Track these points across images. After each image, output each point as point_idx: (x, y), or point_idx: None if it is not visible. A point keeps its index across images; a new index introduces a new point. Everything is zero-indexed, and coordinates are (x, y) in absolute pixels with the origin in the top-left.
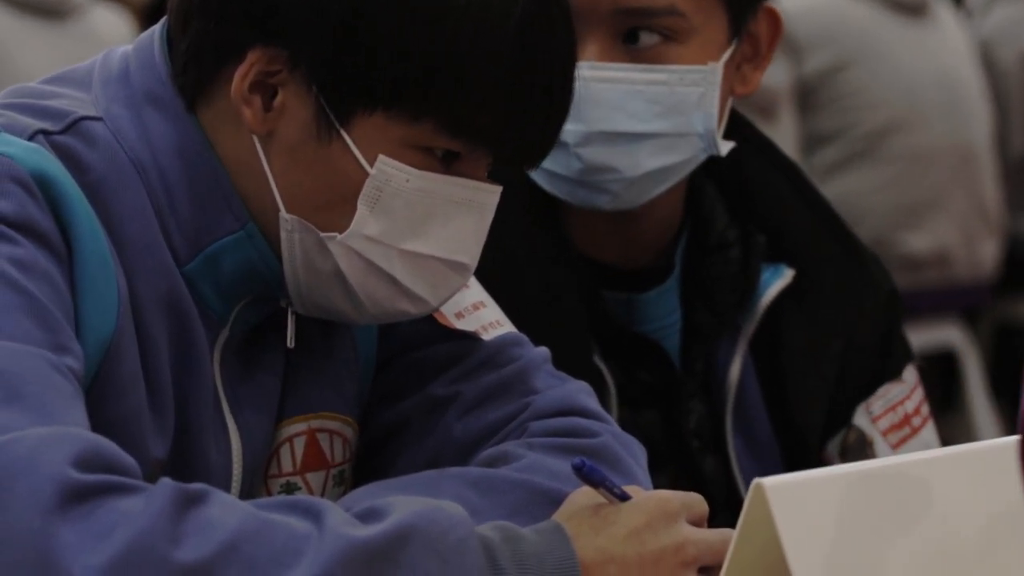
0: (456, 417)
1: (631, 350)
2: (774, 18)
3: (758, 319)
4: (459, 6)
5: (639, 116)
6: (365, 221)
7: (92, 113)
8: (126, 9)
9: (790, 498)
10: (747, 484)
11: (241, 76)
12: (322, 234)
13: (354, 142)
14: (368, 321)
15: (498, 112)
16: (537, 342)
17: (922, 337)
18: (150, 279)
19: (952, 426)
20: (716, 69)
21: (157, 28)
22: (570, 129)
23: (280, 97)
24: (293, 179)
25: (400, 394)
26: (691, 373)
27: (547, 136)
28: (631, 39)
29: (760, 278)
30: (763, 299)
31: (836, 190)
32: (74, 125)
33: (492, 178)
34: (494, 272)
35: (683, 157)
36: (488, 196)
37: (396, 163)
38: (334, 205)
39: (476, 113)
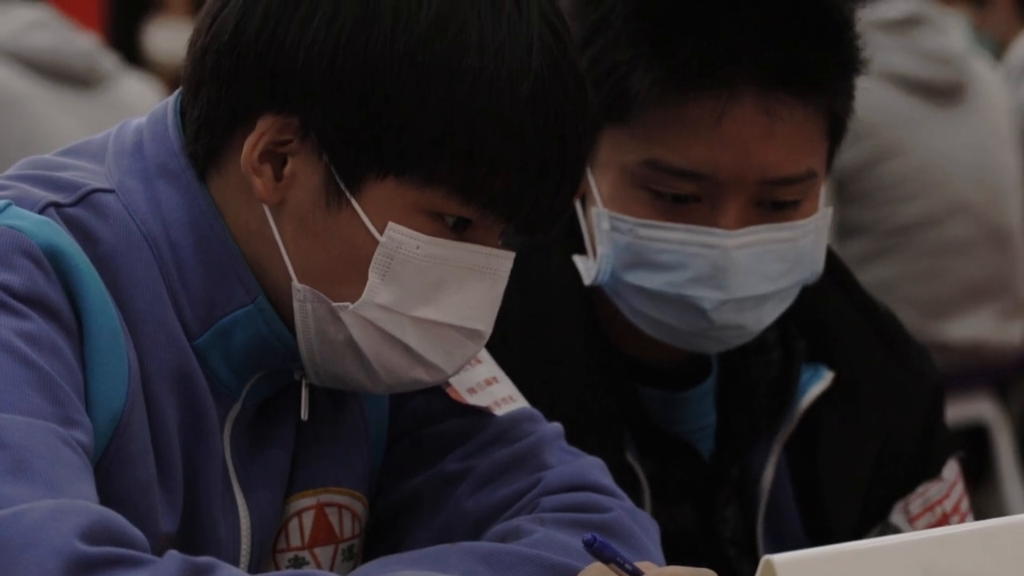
0: (468, 493)
1: (665, 448)
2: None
3: (795, 423)
4: (471, 71)
5: (770, 276)
6: (377, 290)
7: (104, 185)
8: (156, 78)
9: (800, 574)
10: None
11: (251, 145)
12: (334, 304)
13: (364, 209)
14: (383, 391)
15: (511, 177)
16: (570, 436)
17: (953, 411)
18: (160, 353)
19: (983, 500)
20: (827, 213)
21: (171, 99)
22: (708, 296)
23: (290, 166)
24: (304, 248)
25: (412, 469)
26: (726, 478)
27: (560, 200)
28: (766, 203)
29: (799, 382)
30: (801, 403)
31: (867, 279)
32: (86, 198)
33: (508, 246)
34: (531, 365)
35: (792, 300)
36: (501, 262)
37: (406, 230)
38: (345, 274)
39: (489, 178)
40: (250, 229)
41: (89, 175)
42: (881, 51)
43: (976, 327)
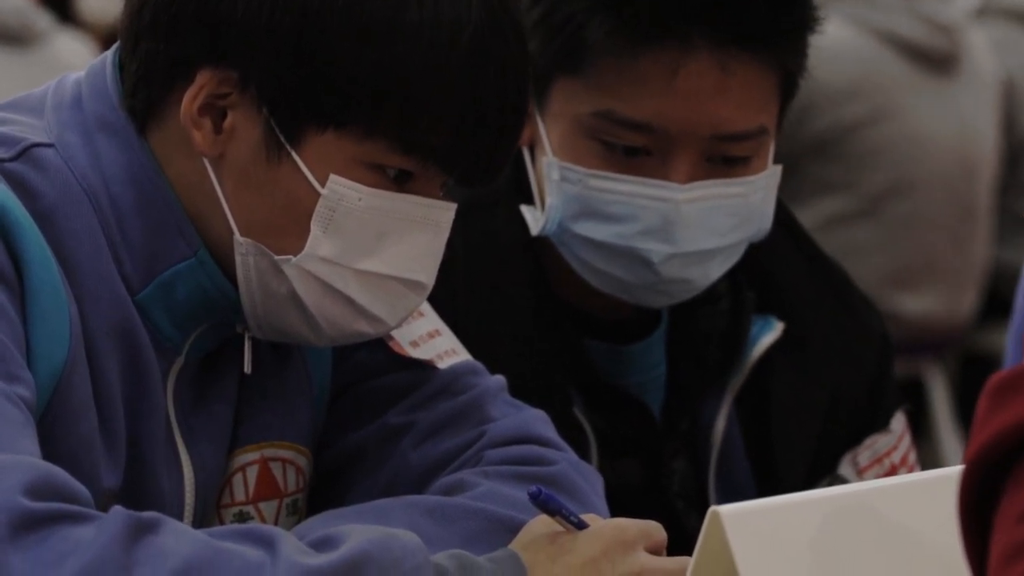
0: (411, 446)
1: (612, 402)
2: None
3: (745, 374)
4: (410, 24)
5: (719, 231)
6: (319, 242)
7: (44, 140)
8: (89, 36)
9: (747, 525)
10: None
11: (191, 98)
12: (276, 257)
13: (304, 162)
14: (326, 343)
15: (450, 130)
16: (516, 391)
17: None
18: (101, 308)
19: (920, 454)
20: (776, 170)
21: (109, 54)
22: (656, 249)
23: (230, 119)
24: (245, 201)
25: (355, 423)
26: (674, 431)
27: (499, 153)
28: (718, 159)
29: (749, 333)
30: (752, 354)
31: (839, 241)
32: (25, 152)
33: (448, 197)
34: (475, 319)
35: (739, 256)
36: (442, 213)
37: (348, 182)
38: (287, 227)
39: (428, 131)
40: (191, 183)
41: (28, 129)
42: (885, 11)
43: (931, 303)
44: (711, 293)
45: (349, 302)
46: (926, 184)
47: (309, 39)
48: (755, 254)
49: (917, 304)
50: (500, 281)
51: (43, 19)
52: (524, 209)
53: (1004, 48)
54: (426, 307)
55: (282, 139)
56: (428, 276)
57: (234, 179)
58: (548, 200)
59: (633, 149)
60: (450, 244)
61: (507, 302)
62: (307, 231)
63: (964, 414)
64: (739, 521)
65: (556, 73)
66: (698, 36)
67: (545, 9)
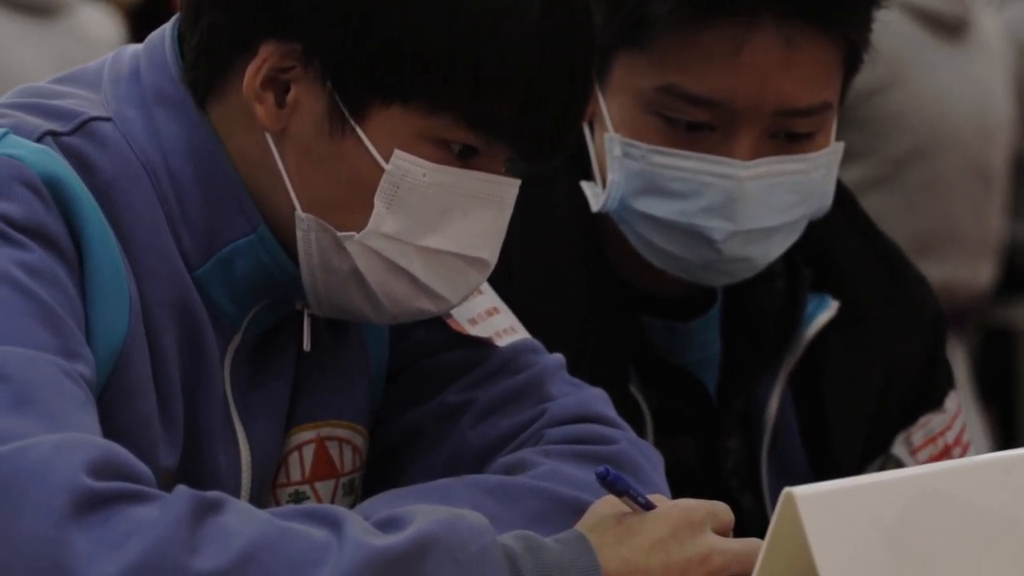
0: (470, 424)
1: (668, 380)
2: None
3: (800, 353)
4: None
5: (780, 208)
6: (382, 219)
7: (102, 113)
8: (114, 8)
9: (820, 507)
10: None
11: (253, 72)
12: (339, 233)
13: (369, 137)
14: (387, 321)
15: (517, 103)
16: (573, 368)
17: None
18: (160, 284)
19: None
20: (839, 147)
21: (168, 26)
22: (718, 227)
23: (293, 93)
24: (308, 177)
25: (413, 401)
26: (729, 410)
27: (566, 128)
28: (781, 135)
29: (805, 312)
30: (807, 333)
31: None
32: (83, 126)
33: (512, 172)
34: (532, 296)
35: (799, 234)
36: (507, 190)
37: (412, 157)
38: (350, 203)
39: (495, 105)
40: (252, 158)
41: (86, 103)
42: None
43: (952, 271)
44: (767, 271)
45: (412, 279)
46: (945, 149)
47: (376, 11)
48: (811, 231)
49: (939, 271)
50: (557, 258)
51: None
52: (585, 185)
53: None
54: (484, 285)
55: (346, 113)
56: (491, 253)
57: (296, 154)
58: (610, 176)
59: (696, 125)
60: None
61: (564, 279)
62: (370, 207)
63: (983, 388)
64: (814, 503)
65: (618, 47)
66: (764, 10)
67: None
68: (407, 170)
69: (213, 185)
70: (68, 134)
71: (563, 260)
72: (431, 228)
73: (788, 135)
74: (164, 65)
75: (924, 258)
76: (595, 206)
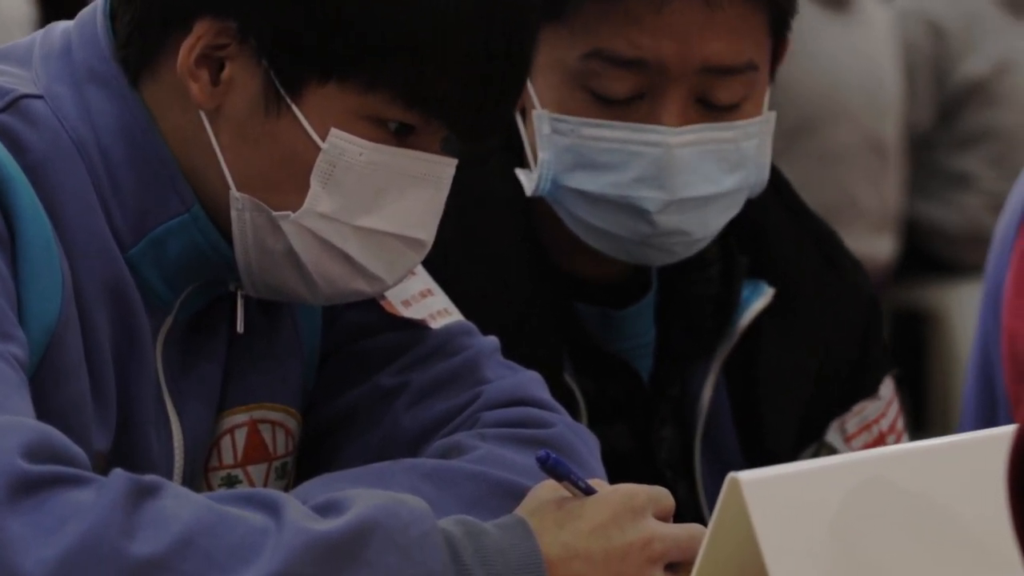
0: (405, 407)
1: (602, 367)
2: (785, 44)
3: (735, 341)
4: None
5: (712, 177)
6: (318, 198)
7: (32, 91)
8: None
9: (765, 492)
10: (712, 508)
11: (188, 49)
12: (275, 213)
13: (305, 116)
14: (322, 302)
15: (455, 81)
16: (507, 354)
17: None
18: (92, 264)
19: None
20: (770, 117)
21: (99, 2)
22: (651, 197)
23: (228, 70)
24: (242, 156)
25: (346, 384)
26: (663, 397)
27: (504, 105)
28: (705, 100)
29: (740, 299)
30: (741, 320)
31: None
32: (14, 103)
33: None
34: (465, 279)
35: (738, 209)
36: (443, 169)
37: (349, 136)
38: (285, 182)
39: (433, 81)
40: (186, 136)
41: (16, 80)
42: None
43: (851, 243)
44: (701, 258)
45: (348, 260)
46: (836, 121)
47: None
48: (746, 216)
49: None
50: (491, 242)
51: None
52: (519, 172)
53: None
54: (418, 267)
55: (282, 91)
56: (428, 233)
57: (231, 132)
58: (540, 155)
59: (623, 99)
60: None
61: (498, 263)
62: (306, 186)
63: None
64: (758, 488)
65: (540, 22)
66: None
67: None
68: (344, 149)
69: (146, 164)
70: None
71: (497, 245)
72: (367, 208)
73: (715, 104)
74: (96, 42)
75: None
76: (529, 190)
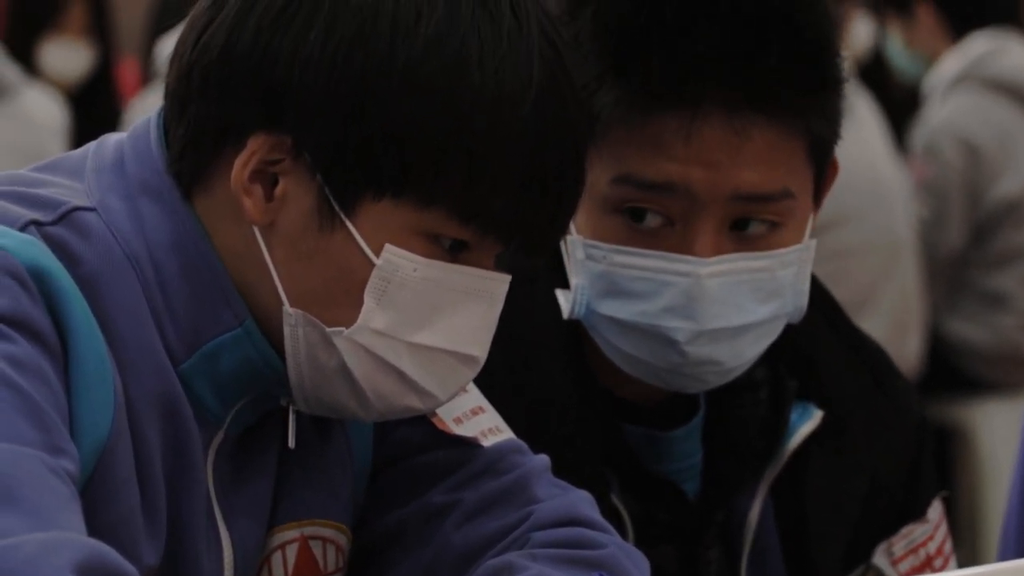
0: (455, 526)
1: (649, 488)
2: (835, 166)
3: (783, 464)
4: (472, 87)
5: (745, 307)
6: (372, 314)
7: (85, 203)
8: (58, 91)
9: None
10: None
11: (242, 164)
12: (328, 329)
13: (359, 231)
14: (374, 418)
15: (510, 198)
16: (555, 474)
17: None
18: (144, 378)
19: None
20: (811, 245)
21: (153, 115)
22: (680, 327)
23: (282, 186)
24: (296, 271)
25: (397, 501)
26: (711, 519)
27: (559, 223)
28: (739, 226)
29: (788, 422)
30: (790, 444)
31: None
32: (67, 216)
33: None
34: (515, 400)
35: (775, 336)
36: (497, 285)
37: (403, 252)
38: (339, 298)
39: (489, 199)
40: (238, 251)
41: (69, 192)
42: None
43: (872, 335)
44: (751, 381)
45: (401, 376)
46: (847, 220)
47: (367, 103)
48: (793, 338)
49: None
50: (538, 361)
51: (12, 71)
52: (558, 293)
53: (976, 116)
54: (469, 383)
55: (336, 207)
56: (482, 350)
57: (284, 248)
58: (573, 280)
59: (654, 225)
60: None
61: (545, 383)
62: (360, 302)
63: None
64: None
65: None
66: (710, 100)
67: None
68: (398, 265)
69: (198, 278)
70: (52, 224)
71: (544, 364)
72: (421, 324)
73: (750, 229)
74: (149, 155)
75: None
76: (565, 312)
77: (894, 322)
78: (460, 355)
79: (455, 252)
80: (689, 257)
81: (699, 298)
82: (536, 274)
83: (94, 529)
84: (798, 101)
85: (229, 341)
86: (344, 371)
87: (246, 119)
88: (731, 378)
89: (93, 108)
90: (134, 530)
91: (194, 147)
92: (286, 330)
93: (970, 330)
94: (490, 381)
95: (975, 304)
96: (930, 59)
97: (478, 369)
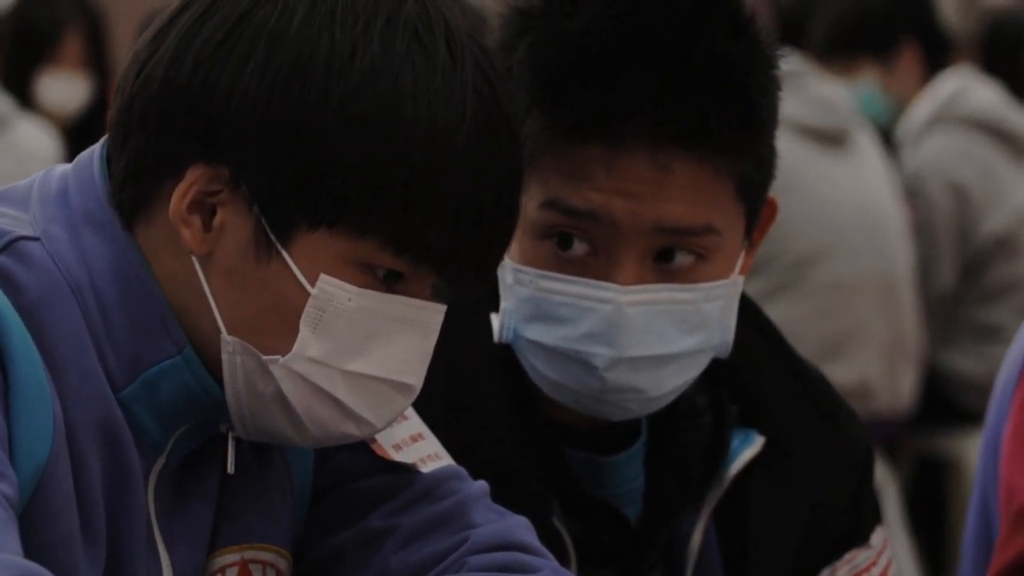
0: (393, 550)
1: (591, 512)
2: (772, 206)
3: (724, 488)
4: (406, 121)
5: (667, 337)
6: (307, 343)
7: (29, 233)
8: (52, 124)
9: None
10: None
11: (180, 195)
12: (264, 357)
13: (294, 261)
14: (311, 444)
15: (444, 229)
16: (495, 499)
17: None
18: (85, 404)
19: None
20: (738, 281)
21: (97, 147)
22: (600, 353)
23: (220, 216)
24: (233, 299)
25: (336, 526)
26: (652, 543)
27: (493, 253)
28: (664, 258)
29: (730, 448)
30: (731, 469)
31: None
32: (10, 245)
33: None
34: (453, 424)
35: (700, 369)
36: (432, 315)
37: (338, 282)
38: (275, 326)
39: (422, 230)
40: (178, 280)
41: (13, 222)
42: None
43: (865, 369)
44: (692, 406)
45: (337, 404)
46: (839, 253)
47: (302, 134)
48: (736, 366)
49: (853, 371)
50: (479, 388)
51: (5, 103)
52: (493, 317)
53: (959, 156)
54: (409, 410)
55: (272, 238)
56: (417, 378)
57: (222, 277)
58: (502, 304)
59: (569, 238)
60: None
61: (486, 409)
62: (295, 331)
63: (916, 521)
64: None
65: None
66: (633, 134)
67: None
68: (332, 294)
69: (139, 306)
70: None
71: (484, 389)
72: (357, 353)
73: (675, 262)
74: (92, 186)
75: (837, 358)
76: (496, 336)
77: (888, 356)
78: (395, 383)
79: (390, 283)
80: (611, 284)
81: (619, 325)
82: (477, 303)
83: (33, 551)
84: (723, 140)
85: (168, 368)
86: (281, 398)
87: (184, 150)
88: (654, 408)
89: (90, 140)
90: (73, 553)
91: (135, 178)
92: (224, 357)
93: (965, 362)
94: (430, 407)
95: (969, 337)
96: (902, 102)
97: (413, 397)
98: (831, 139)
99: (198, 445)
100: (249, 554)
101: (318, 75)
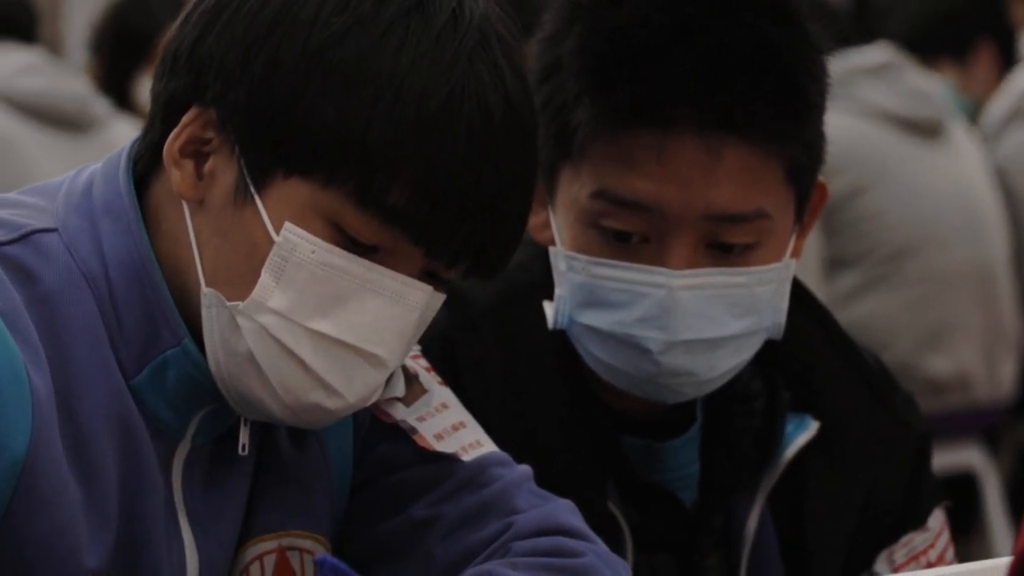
0: (437, 539)
1: (647, 496)
2: (822, 190)
3: (779, 473)
4: (379, 75)
5: (720, 320)
6: (269, 292)
7: (48, 224)
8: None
9: None
10: None
11: (174, 137)
12: (228, 303)
13: (267, 208)
14: (287, 415)
15: (411, 190)
16: (553, 486)
17: (942, 459)
18: (97, 393)
19: (971, 549)
20: (790, 264)
21: (127, 144)
22: (653, 337)
23: (211, 163)
24: (214, 247)
25: (379, 517)
26: (708, 528)
27: (483, 239)
28: (716, 246)
29: (784, 432)
30: (786, 453)
31: (860, 313)
32: (27, 236)
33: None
34: (512, 414)
35: (753, 352)
36: (413, 292)
37: (301, 231)
38: (244, 275)
39: (386, 187)
40: (179, 242)
41: (34, 214)
42: (863, 90)
43: (964, 359)
44: (747, 392)
45: (303, 366)
46: (934, 245)
47: (279, 78)
48: (790, 351)
49: (951, 362)
50: (535, 374)
51: (101, 105)
52: (546, 304)
53: None
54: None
55: (248, 181)
56: (389, 352)
57: (209, 226)
58: (556, 291)
59: (627, 235)
60: (483, 340)
61: (542, 395)
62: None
63: (1017, 509)
64: None
65: (559, 161)
66: (682, 121)
67: (546, 96)
68: (296, 244)
69: (146, 296)
70: (9, 243)
71: (540, 377)
72: (322, 312)
73: (726, 246)
74: (114, 177)
75: (935, 349)
76: (550, 323)
77: (986, 345)
78: (364, 352)
79: (367, 254)
80: (663, 269)
81: (672, 309)
82: (531, 291)
83: (27, 541)
84: (771, 124)
85: (171, 357)
86: (251, 358)
87: (183, 93)
88: (708, 390)
89: None
90: (70, 538)
91: (150, 125)
92: (203, 314)
93: None
94: (487, 395)
95: None
96: (978, 102)
97: (387, 372)
98: (927, 130)
99: (226, 430)
100: (286, 541)
101: (305, 22)
